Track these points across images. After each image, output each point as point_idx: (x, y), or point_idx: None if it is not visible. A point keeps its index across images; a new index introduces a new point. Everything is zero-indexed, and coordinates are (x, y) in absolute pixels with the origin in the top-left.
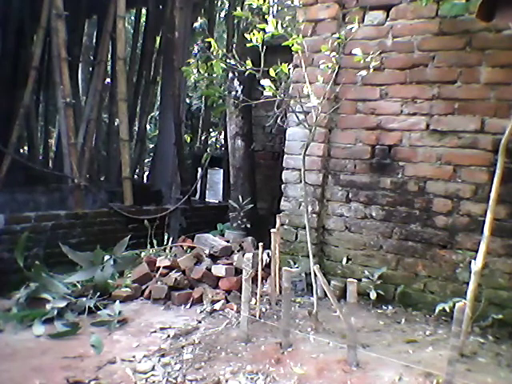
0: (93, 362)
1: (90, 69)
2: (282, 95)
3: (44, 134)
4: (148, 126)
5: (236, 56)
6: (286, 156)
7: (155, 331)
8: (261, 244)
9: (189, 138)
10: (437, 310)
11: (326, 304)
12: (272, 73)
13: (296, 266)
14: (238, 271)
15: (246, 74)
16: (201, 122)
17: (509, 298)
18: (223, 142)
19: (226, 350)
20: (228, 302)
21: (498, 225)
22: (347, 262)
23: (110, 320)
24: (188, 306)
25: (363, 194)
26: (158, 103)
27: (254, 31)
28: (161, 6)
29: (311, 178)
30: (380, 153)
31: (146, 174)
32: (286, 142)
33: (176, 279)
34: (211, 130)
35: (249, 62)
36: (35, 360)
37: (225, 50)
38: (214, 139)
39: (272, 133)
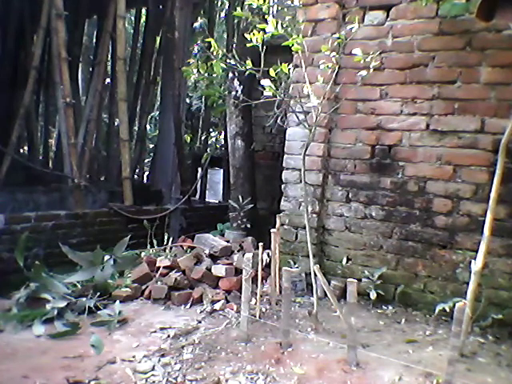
0: (93, 362)
1: (90, 69)
2: (282, 95)
3: (44, 134)
4: (148, 126)
5: (236, 56)
6: (286, 156)
7: (155, 331)
8: (261, 244)
9: (189, 138)
10: (437, 310)
11: (326, 304)
12: (272, 73)
13: (296, 266)
14: (238, 271)
15: (246, 74)
16: (201, 122)
17: (509, 297)
18: (223, 142)
19: (226, 350)
20: (228, 301)
21: (498, 225)
22: (347, 262)
23: (110, 320)
24: (188, 306)
25: (363, 194)
26: (158, 103)
27: (254, 31)
28: (161, 6)
29: (311, 178)
30: (380, 153)
31: (146, 174)
32: (286, 142)
33: (176, 279)
34: (211, 130)
35: (249, 62)
36: (35, 360)
37: (225, 50)
38: (214, 139)
39: (272, 133)
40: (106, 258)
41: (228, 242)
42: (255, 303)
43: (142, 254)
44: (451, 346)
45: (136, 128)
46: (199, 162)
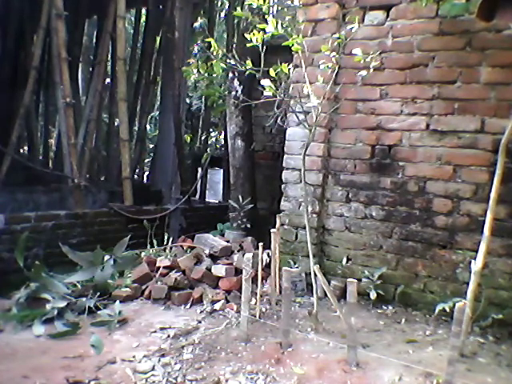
0: (93, 362)
1: (90, 69)
2: (282, 95)
3: (44, 134)
4: (148, 126)
5: (236, 56)
6: (286, 156)
7: (155, 331)
8: (261, 244)
9: (189, 138)
10: (437, 310)
11: (326, 304)
12: (272, 73)
13: (296, 266)
14: (238, 271)
15: (246, 73)
16: (201, 122)
17: (509, 297)
18: (223, 142)
19: (226, 350)
20: (228, 301)
21: (498, 225)
22: (347, 262)
23: (110, 320)
24: (188, 306)
25: (363, 194)
26: (158, 103)
27: (254, 31)
28: (161, 6)
29: (311, 178)
30: (380, 153)
31: (146, 174)
32: (286, 142)
33: (176, 279)
34: (211, 130)
35: (249, 62)
36: (35, 360)
37: (225, 50)
38: (214, 139)
39: (272, 133)
40: (106, 258)
41: (228, 241)
42: (255, 303)
43: (142, 254)
44: (451, 345)
45: (136, 128)
46: (199, 162)
